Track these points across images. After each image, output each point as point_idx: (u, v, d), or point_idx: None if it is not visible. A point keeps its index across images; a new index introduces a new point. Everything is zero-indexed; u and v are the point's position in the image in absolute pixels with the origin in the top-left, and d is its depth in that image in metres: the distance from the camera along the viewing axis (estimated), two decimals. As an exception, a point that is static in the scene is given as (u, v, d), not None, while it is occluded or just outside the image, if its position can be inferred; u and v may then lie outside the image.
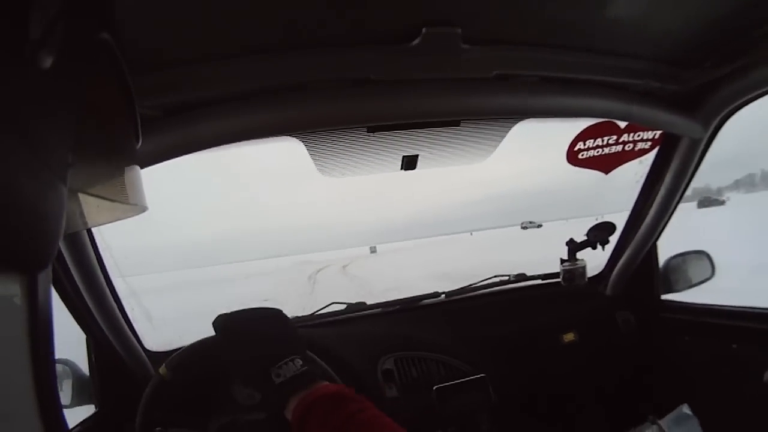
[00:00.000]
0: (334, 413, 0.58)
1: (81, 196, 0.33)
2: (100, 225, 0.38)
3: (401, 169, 1.06)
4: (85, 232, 0.88)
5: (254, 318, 0.75)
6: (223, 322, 0.74)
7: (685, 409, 1.15)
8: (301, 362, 0.67)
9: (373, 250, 50.63)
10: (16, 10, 0.20)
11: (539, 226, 54.47)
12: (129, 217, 0.39)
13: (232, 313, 0.75)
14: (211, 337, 0.82)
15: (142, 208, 0.39)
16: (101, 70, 0.30)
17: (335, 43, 0.74)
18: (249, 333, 0.72)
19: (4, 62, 0.20)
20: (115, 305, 1.01)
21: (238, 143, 0.87)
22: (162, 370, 0.84)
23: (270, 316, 0.76)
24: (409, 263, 21.11)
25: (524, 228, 55.34)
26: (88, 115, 0.30)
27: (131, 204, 0.37)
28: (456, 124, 0.95)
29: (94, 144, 0.33)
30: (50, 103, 0.24)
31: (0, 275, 0.23)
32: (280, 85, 0.79)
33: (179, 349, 0.93)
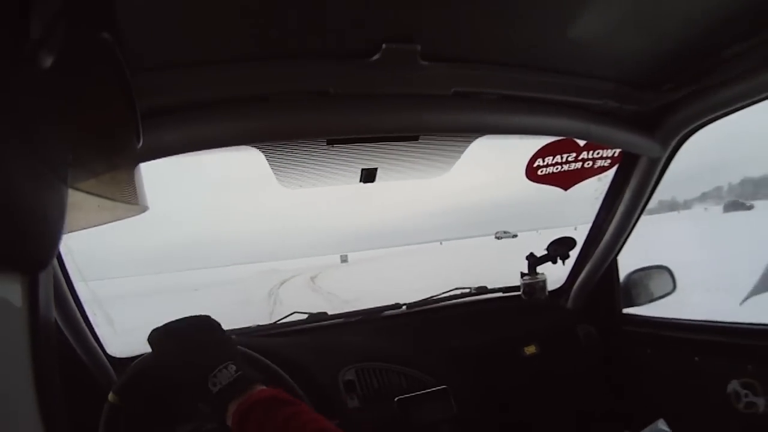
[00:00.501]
0: (269, 418, 0.58)
1: (82, 195, 0.33)
2: (101, 225, 0.38)
3: (360, 181, 1.06)
4: None
5: (184, 328, 0.74)
6: (156, 338, 0.73)
7: (661, 424, 1.17)
8: (234, 368, 0.67)
9: (344, 260, 47.37)
10: (17, 10, 0.20)
11: (514, 236, 52.20)
12: (130, 216, 0.39)
13: (162, 326, 0.74)
14: (149, 354, 0.81)
15: (144, 208, 0.39)
16: (101, 70, 0.30)
17: (297, 55, 0.75)
18: (181, 345, 0.71)
19: (4, 62, 0.20)
20: (76, 309, 0.99)
21: (200, 151, 0.87)
22: (111, 397, 0.83)
23: (199, 324, 0.75)
24: (386, 275, 18.51)
25: (498, 238, 53.17)
26: (88, 115, 0.31)
27: (132, 203, 0.38)
28: (415, 138, 0.96)
29: (94, 144, 0.33)
30: (50, 103, 0.24)
31: (0, 275, 0.23)
32: (243, 96, 0.79)
33: (140, 355, 0.92)
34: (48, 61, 0.22)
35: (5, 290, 0.23)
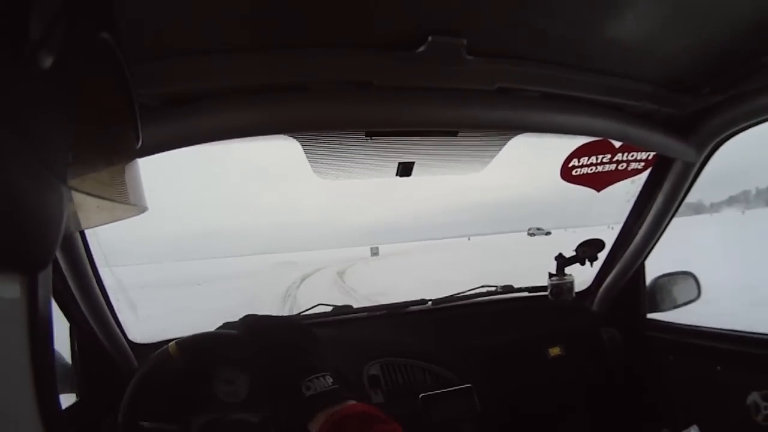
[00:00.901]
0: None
1: (81, 195, 0.33)
2: (100, 225, 0.38)
3: (396, 175, 1.06)
4: None
5: (285, 327, 0.75)
6: (252, 324, 0.74)
7: (694, 430, 1.16)
8: (331, 380, 0.68)
9: (374, 252, 42.68)
10: (16, 10, 0.20)
11: (548, 233, 50.69)
12: (129, 217, 0.39)
13: (262, 316, 0.75)
14: (232, 334, 0.81)
15: (142, 209, 0.39)
16: (101, 70, 0.30)
17: (340, 44, 0.74)
18: (280, 340, 0.72)
19: (4, 62, 0.20)
20: (100, 294, 0.99)
21: (235, 139, 0.87)
22: (172, 347, 0.82)
23: (300, 329, 0.77)
24: (422, 272, 15.75)
25: (531, 235, 51.23)
26: (88, 115, 0.30)
27: (131, 204, 0.37)
28: (454, 134, 0.96)
29: (94, 144, 0.33)
30: (50, 103, 0.24)
31: (0, 275, 0.23)
32: (282, 84, 0.78)
33: (163, 342, 0.92)
34: (48, 61, 0.22)
35: (4, 290, 0.23)
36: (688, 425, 1.17)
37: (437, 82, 0.83)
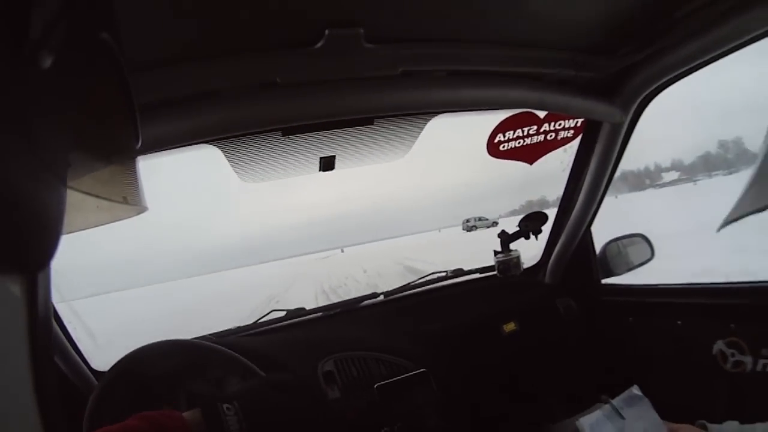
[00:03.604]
0: None
1: (81, 196, 0.33)
2: (100, 225, 0.38)
3: (320, 170, 1.05)
4: None
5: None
6: None
7: (635, 390, 1.17)
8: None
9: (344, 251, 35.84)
10: (16, 9, 0.20)
11: (494, 223, 36.61)
12: (129, 217, 0.39)
13: None
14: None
15: (143, 208, 0.39)
16: (101, 70, 0.30)
17: (241, 48, 0.75)
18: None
19: (4, 62, 0.20)
20: (56, 326, 1.00)
21: (155, 153, 0.87)
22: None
23: None
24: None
25: (470, 229, 39.09)
26: (88, 115, 0.31)
27: (131, 204, 0.38)
28: (369, 122, 0.96)
29: (94, 144, 0.33)
30: (50, 103, 0.24)
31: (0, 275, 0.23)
32: (194, 93, 0.79)
33: None
34: (47, 61, 0.22)
35: (4, 291, 0.23)
36: (656, 382, 1.17)
37: (341, 74, 0.84)
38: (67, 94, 0.26)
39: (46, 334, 0.28)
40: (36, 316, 0.26)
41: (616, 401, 1.16)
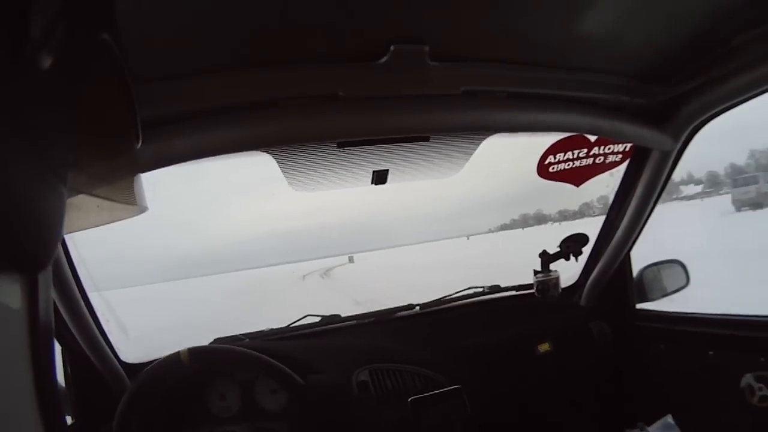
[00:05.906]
0: None
1: (81, 196, 0.33)
2: (100, 226, 0.39)
3: (372, 183, 1.06)
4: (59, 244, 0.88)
5: None
6: None
7: (669, 419, 1.16)
8: None
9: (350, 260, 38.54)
10: (16, 10, 0.20)
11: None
12: (129, 217, 0.39)
13: None
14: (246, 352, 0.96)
15: (143, 208, 0.39)
16: (101, 71, 0.30)
17: (306, 60, 0.76)
18: None
19: (4, 62, 0.20)
20: (90, 318, 1.01)
21: (211, 158, 0.88)
22: (184, 353, 0.86)
23: None
24: None
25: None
26: (88, 116, 0.30)
27: (131, 204, 0.38)
28: (425, 139, 0.96)
29: (94, 144, 0.33)
30: (50, 103, 0.24)
31: (0, 276, 0.23)
32: (253, 101, 0.80)
33: (155, 360, 0.94)
34: (48, 62, 0.22)
35: (4, 291, 0.23)
36: (682, 412, 1.16)
37: (403, 90, 0.85)
38: (67, 95, 0.26)
39: (46, 334, 0.27)
40: (36, 316, 0.26)
41: (652, 429, 1.16)
